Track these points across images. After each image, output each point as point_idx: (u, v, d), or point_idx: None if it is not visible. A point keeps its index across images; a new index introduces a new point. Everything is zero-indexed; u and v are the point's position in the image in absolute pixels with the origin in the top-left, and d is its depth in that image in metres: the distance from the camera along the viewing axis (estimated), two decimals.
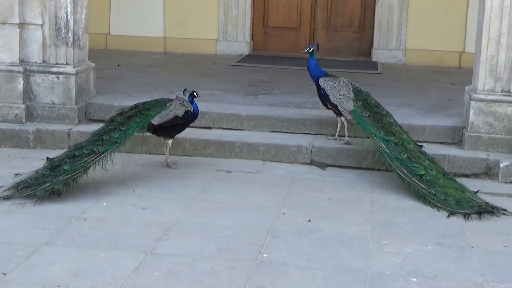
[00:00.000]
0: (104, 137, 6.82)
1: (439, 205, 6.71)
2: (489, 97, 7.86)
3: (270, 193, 6.98)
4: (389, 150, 7.16)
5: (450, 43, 12.39)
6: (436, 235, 6.13)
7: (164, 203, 6.60)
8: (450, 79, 11.19)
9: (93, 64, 8.80)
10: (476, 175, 7.63)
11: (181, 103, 7.36)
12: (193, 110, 7.45)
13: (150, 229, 5.97)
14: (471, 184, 7.27)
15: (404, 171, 7.00)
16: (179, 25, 12.95)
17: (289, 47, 13.09)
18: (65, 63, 8.31)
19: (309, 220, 6.32)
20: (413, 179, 6.93)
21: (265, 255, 5.57)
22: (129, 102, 8.55)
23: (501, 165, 7.54)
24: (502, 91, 7.85)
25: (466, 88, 8.33)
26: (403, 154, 7.09)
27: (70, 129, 8.15)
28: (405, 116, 8.48)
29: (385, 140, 7.22)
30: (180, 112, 7.30)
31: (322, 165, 7.85)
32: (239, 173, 7.53)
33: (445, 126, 8.20)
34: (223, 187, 7.10)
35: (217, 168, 7.63)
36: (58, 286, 4.93)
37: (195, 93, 7.46)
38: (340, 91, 7.77)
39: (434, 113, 8.73)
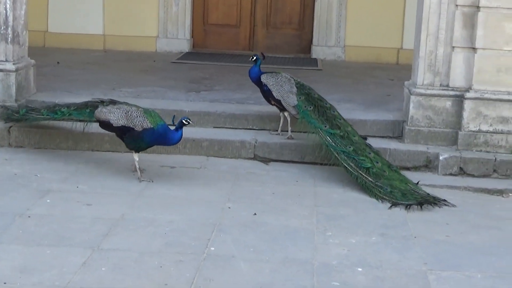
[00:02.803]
0: (56, 107, 7.51)
1: (385, 197, 6.82)
2: (428, 92, 8.01)
3: (215, 188, 7.01)
4: (335, 144, 7.26)
5: (388, 40, 12.55)
6: (379, 226, 6.24)
7: (109, 199, 6.57)
8: (389, 75, 11.34)
9: (33, 61, 8.70)
10: (416, 168, 7.77)
11: (125, 113, 7.01)
12: (149, 128, 6.93)
13: (96, 225, 5.94)
14: (412, 177, 7.40)
15: (351, 164, 7.10)
16: (118, 22, 12.86)
17: (229, 44, 13.12)
18: (4, 60, 8.20)
19: (255, 214, 6.37)
20: (360, 172, 7.03)
21: (212, 249, 5.60)
22: (71, 99, 8.52)
23: (441, 157, 7.69)
24: (441, 85, 8.01)
25: (406, 83, 8.47)
26: (349, 147, 7.19)
27: (10, 126, 7.99)
28: (346, 111, 8.55)
29: (331, 133, 7.32)
30: (116, 119, 7.03)
31: (266, 160, 7.91)
32: (183, 168, 7.53)
33: (385, 121, 8.33)
34: (167, 183, 7.09)
35: (160, 164, 7.62)
36: (5, 283, 4.89)
37: (184, 121, 6.86)
38: (282, 86, 7.84)
39: (374, 108, 8.85)
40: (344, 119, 7.58)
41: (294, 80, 7.92)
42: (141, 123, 6.96)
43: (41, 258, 5.29)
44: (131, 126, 6.97)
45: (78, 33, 12.81)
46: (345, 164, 7.13)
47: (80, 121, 7.39)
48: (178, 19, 12.89)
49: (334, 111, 7.62)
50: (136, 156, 7.11)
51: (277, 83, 7.88)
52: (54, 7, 12.83)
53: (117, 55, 12.32)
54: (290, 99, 7.75)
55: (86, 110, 7.27)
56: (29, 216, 6.08)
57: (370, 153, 7.19)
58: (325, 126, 7.39)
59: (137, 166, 7.08)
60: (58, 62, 11.14)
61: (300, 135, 7.96)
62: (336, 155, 7.20)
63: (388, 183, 6.93)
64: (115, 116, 7.04)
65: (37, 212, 6.19)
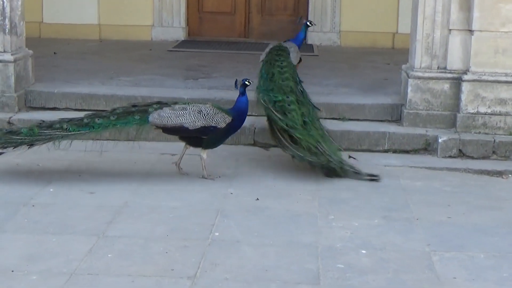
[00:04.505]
0: (85, 120, 6.66)
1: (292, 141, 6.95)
2: (426, 75, 8.04)
3: (216, 174, 7.03)
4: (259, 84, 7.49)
5: (384, 24, 12.56)
6: (381, 209, 6.28)
7: (112, 187, 6.60)
8: (385, 59, 11.37)
9: (30, 52, 8.70)
10: (415, 151, 7.81)
11: (199, 113, 6.68)
12: (231, 121, 6.74)
13: (99, 213, 5.98)
14: (411, 160, 7.56)
15: (265, 99, 7.24)
16: (113, 12, 12.84)
17: (224, 32, 13.12)
18: (2, 50, 8.20)
19: (257, 199, 6.41)
20: (269, 106, 7.21)
21: (216, 234, 5.64)
22: (69, 88, 8.60)
23: (440, 140, 7.73)
24: (438, 68, 8.04)
25: (403, 66, 8.50)
26: (270, 86, 7.32)
27: (11, 117, 8.05)
28: (344, 95, 8.65)
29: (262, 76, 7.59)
30: (191, 122, 6.67)
31: (265, 146, 7.94)
32: (184, 155, 7.54)
33: (384, 104, 8.36)
34: (168, 170, 7.12)
35: (161, 152, 7.65)
36: (12, 271, 4.92)
37: (247, 82, 6.70)
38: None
39: (372, 92, 8.88)
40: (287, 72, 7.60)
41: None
42: (223, 118, 6.71)
43: (47, 246, 5.33)
44: (213, 124, 6.68)
45: (73, 23, 12.78)
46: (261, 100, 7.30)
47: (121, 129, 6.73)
48: (173, 7, 12.88)
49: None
50: (205, 155, 6.86)
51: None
52: None
53: (113, 45, 12.32)
54: None
55: (135, 117, 6.64)
56: (33, 205, 6.12)
57: (288, 97, 7.20)
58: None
59: (204, 164, 6.89)
60: (54, 53, 11.15)
61: None
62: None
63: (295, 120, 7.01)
64: (189, 119, 6.66)
65: (41, 201, 6.22)
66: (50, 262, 5.08)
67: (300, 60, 8.04)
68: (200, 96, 8.42)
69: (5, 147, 6.53)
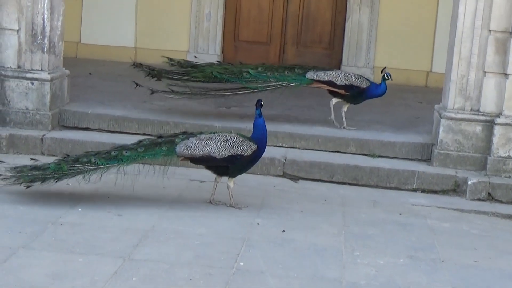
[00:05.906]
0: (113, 152, 6.71)
1: None
2: (459, 116, 8.03)
3: (244, 204, 7.04)
4: None
5: (418, 62, 12.57)
6: (407, 248, 6.25)
7: (139, 210, 6.65)
8: (418, 97, 11.37)
9: (67, 71, 8.82)
10: (444, 191, 7.79)
11: (225, 142, 6.70)
12: (251, 154, 6.77)
13: (126, 235, 6.02)
14: (440, 200, 7.56)
15: None
16: (150, 35, 12.97)
17: (259, 61, 13.05)
18: (40, 69, 8.32)
19: (283, 231, 6.41)
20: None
21: (241, 263, 5.64)
22: (103, 110, 8.67)
23: (469, 182, 7.70)
24: (471, 110, 8.03)
25: (436, 106, 8.50)
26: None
27: (44, 135, 8.17)
28: (375, 132, 8.67)
29: None
30: (218, 151, 6.69)
31: (294, 178, 7.96)
32: (212, 183, 7.57)
33: (414, 143, 8.36)
34: (197, 197, 7.16)
35: (190, 178, 7.68)
36: None
37: (262, 102, 6.92)
38: None
39: (404, 130, 8.88)
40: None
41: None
42: (249, 147, 6.76)
43: (73, 266, 5.37)
44: (240, 153, 6.71)
45: (110, 45, 12.93)
46: None
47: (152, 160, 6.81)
48: (209, 35, 12.99)
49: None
50: (232, 184, 6.89)
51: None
52: (87, 19, 12.97)
53: None
54: None
55: (162, 149, 6.70)
56: (61, 224, 6.17)
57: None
58: None
59: (231, 193, 6.91)
60: (90, 73, 11.27)
61: (329, 155, 8.05)
62: None
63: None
64: (216, 148, 6.69)
65: (69, 221, 6.28)
66: (75, 282, 5.11)
67: (347, 88, 8.72)
68: (232, 125, 8.49)
69: (33, 182, 6.55)
